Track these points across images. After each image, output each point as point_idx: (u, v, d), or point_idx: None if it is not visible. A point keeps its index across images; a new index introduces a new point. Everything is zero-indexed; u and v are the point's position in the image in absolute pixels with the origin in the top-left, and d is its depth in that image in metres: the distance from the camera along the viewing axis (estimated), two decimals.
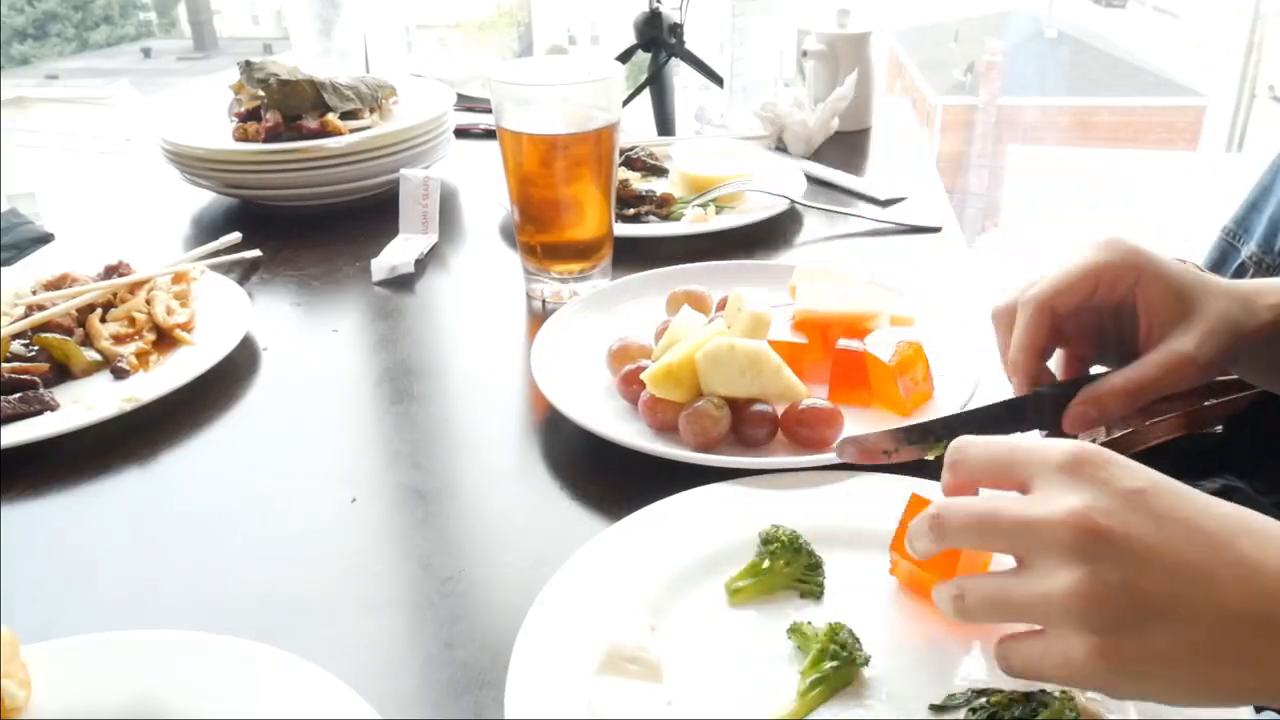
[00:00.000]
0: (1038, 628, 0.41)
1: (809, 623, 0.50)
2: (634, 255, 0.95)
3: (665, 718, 0.47)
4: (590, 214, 0.88)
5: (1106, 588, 0.38)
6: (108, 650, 0.49)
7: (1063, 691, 0.44)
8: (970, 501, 0.44)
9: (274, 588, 0.58)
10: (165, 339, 0.83)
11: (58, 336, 0.80)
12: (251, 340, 0.85)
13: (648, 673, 0.48)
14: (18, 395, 0.74)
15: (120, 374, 0.79)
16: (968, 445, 0.46)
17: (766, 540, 0.54)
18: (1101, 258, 0.58)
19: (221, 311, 0.86)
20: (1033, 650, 0.41)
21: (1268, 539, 0.40)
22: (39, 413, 0.73)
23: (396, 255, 0.99)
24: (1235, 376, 0.76)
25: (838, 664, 0.47)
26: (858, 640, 0.48)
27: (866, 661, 0.48)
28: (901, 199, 1.13)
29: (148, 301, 0.85)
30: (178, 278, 0.89)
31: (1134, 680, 0.39)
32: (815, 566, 0.54)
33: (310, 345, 0.87)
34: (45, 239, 1.34)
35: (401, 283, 0.97)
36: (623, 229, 1.00)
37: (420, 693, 0.50)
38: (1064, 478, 0.42)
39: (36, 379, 0.76)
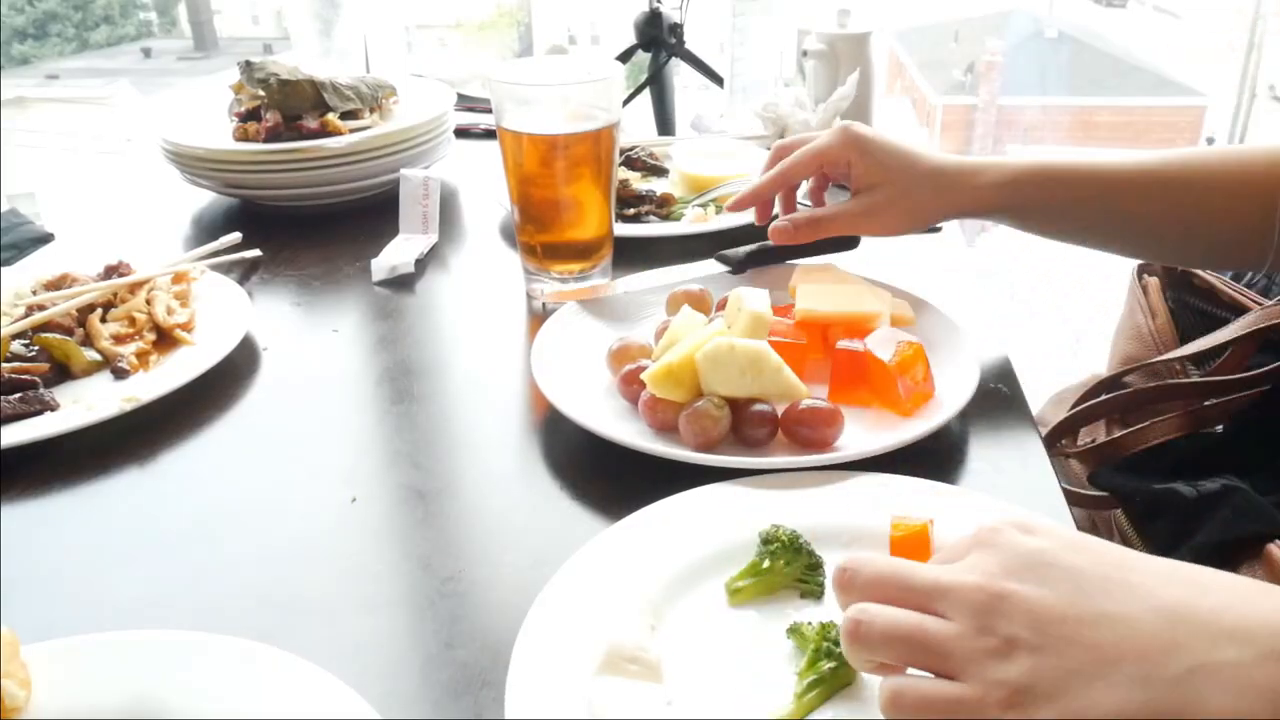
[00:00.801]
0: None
1: (809, 623, 0.50)
2: (634, 255, 0.95)
3: (665, 718, 0.47)
4: (590, 214, 0.88)
5: (1019, 653, 0.37)
6: (108, 650, 0.49)
7: None
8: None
9: (274, 588, 0.58)
10: (165, 339, 0.83)
11: (58, 336, 0.80)
12: (251, 340, 0.85)
13: (648, 673, 0.48)
14: (18, 395, 0.74)
15: (120, 374, 0.79)
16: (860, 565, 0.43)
17: (767, 540, 0.54)
18: (826, 144, 0.82)
19: (221, 311, 0.86)
20: (939, 693, 0.38)
21: (1208, 586, 0.38)
22: (39, 413, 0.73)
23: (396, 255, 0.99)
24: (1236, 376, 0.76)
25: (835, 664, 0.47)
26: None
27: None
28: None
29: (148, 301, 0.85)
30: (178, 278, 0.89)
31: None
32: (815, 566, 0.54)
33: (310, 345, 0.87)
34: (45, 239, 1.34)
35: (401, 283, 0.97)
36: (623, 229, 1.00)
37: (420, 693, 0.50)
38: (971, 549, 0.42)
39: (36, 379, 0.76)
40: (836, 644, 0.47)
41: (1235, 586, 0.39)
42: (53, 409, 0.74)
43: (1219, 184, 0.76)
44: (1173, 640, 0.36)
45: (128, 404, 0.72)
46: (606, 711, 0.46)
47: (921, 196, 0.81)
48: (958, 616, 0.39)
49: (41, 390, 0.75)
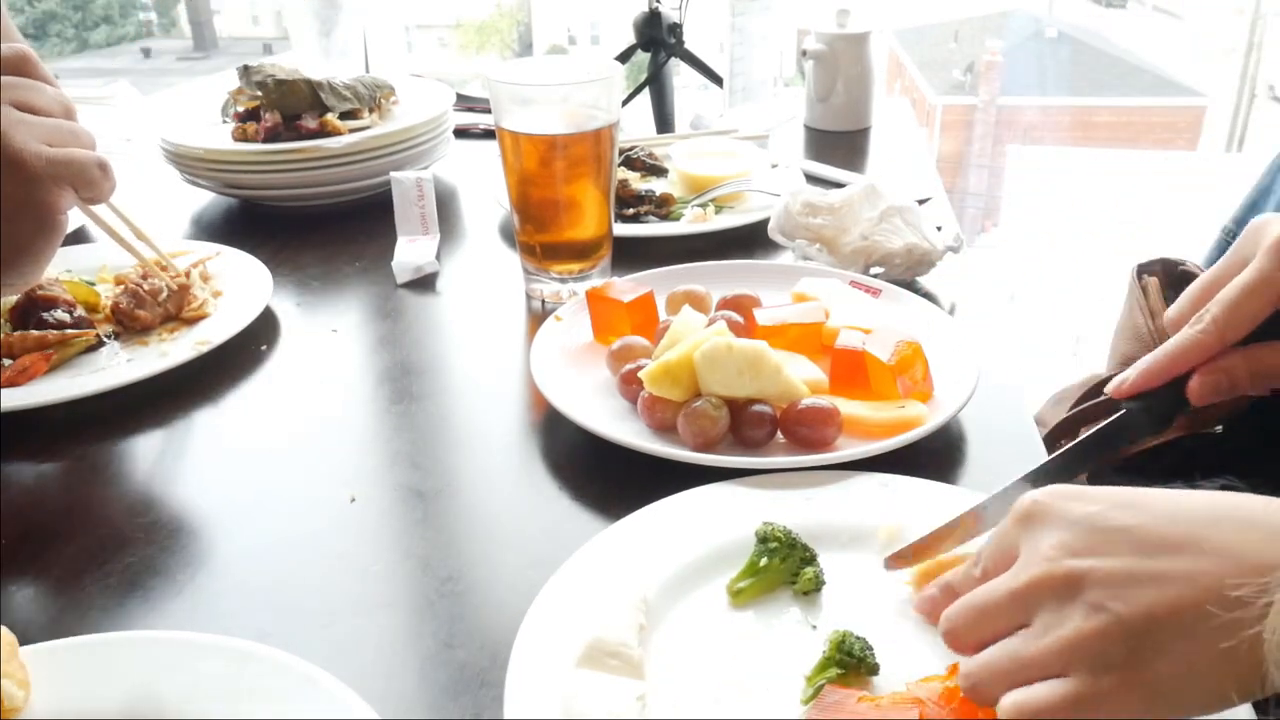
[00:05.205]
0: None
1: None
2: (633, 255, 0.95)
3: (667, 717, 0.47)
4: (589, 214, 0.88)
5: (1108, 622, 0.39)
6: (108, 650, 0.49)
7: None
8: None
9: (273, 588, 0.58)
10: (179, 319, 0.86)
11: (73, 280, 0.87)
12: (271, 312, 0.87)
13: (628, 669, 0.48)
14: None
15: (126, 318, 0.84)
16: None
17: (764, 538, 0.54)
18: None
19: (239, 295, 0.89)
20: (1052, 696, 0.39)
21: (1244, 519, 0.40)
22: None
23: (417, 255, 0.98)
24: None
25: (845, 671, 0.47)
26: (869, 646, 0.48)
27: (876, 670, 0.48)
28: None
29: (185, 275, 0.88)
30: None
31: (1166, 702, 0.38)
32: (810, 560, 0.54)
33: (310, 345, 0.87)
34: None
35: (401, 283, 0.97)
36: (622, 229, 1.00)
37: (419, 693, 0.50)
38: (1021, 529, 0.44)
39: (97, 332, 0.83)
40: (850, 654, 0.47)
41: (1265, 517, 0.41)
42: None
43: None
44: (1236, 583, 0.38)
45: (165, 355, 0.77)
46: (577, 703, 0.46)
47: None
48: (1038, 613, 0.41)
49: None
